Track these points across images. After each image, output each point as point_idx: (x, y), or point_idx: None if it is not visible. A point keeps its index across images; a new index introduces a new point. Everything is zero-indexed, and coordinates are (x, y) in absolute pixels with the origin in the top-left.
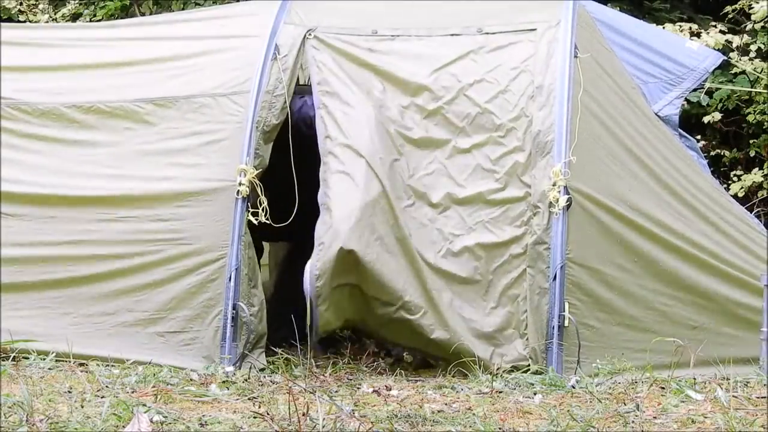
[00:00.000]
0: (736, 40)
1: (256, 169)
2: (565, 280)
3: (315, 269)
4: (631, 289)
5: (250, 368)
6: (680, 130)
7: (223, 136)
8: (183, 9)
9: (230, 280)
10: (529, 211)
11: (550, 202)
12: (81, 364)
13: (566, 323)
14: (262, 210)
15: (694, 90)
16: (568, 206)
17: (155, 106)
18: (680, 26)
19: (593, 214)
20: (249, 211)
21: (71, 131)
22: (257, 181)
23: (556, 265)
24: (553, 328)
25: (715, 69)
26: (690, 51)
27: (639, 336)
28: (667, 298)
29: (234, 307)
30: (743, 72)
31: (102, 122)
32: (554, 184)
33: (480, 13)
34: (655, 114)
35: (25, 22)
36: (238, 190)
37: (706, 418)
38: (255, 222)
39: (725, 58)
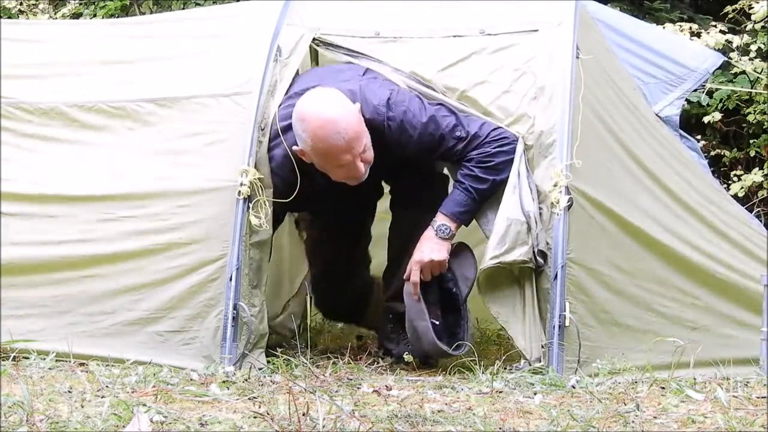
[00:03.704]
0: (736, 40)
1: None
2: (566, 281)
3: None
4: (631, 290)
5: (250, 368)
6: (681, 131)
7: (225, 136)
8: (183, 9)
9: (231, 279)
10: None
11: (552, 203)
12: (81, 364)
13: (567, 323)
14: (264, 214)
15: (695, 90)
16: (569, 207)
17: (157, 106)
18: (680, 26)
19: (594, 215)
20: (249, 212)
21: (72, 130)
22: (258, 182)
23: (557, 265)
24: (554, 327)
25: (715, 69)
26: (691, 52)
27: (640, 336)
28: (668, 299)
29: (235, 307)
30: (743, 72)
31: (103, 121)
32: (555, 185)
33: (482, 14)
34: (656, 115)
35: None
36: (239, 191)
37: (706, 418)
38: (257, 224)
39: (726, 58)
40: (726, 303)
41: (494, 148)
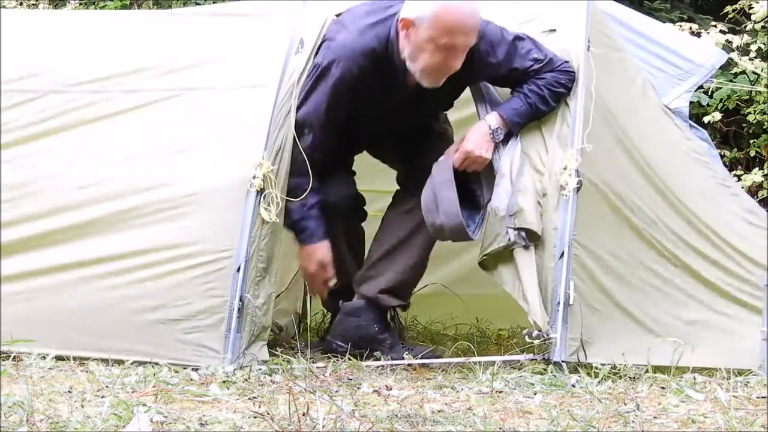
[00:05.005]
0: (736, 40)
1: (273, 165)
2: (571, 261)
3: None
4: (631, 278)
5: (250, 368)
6: (690, 122)
7: (240, 128)
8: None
9: (238, 271)
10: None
11: (561, 185)
12: (81, 364)
13: (571, 301)
14: (275, 206)
15: (695, 90)
16: (578, 189)
17: (172, 96)
18: (680, 26)
19: (600, 199)
20: (261, 205)
21: (83, 118)
22: (272, 176)
23: (564, 243)
24: (558, 304)
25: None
26: (697, 48)
27: (639, 322)
28: (665, 293)
29: (241, 299)
30: (743, 72)
31: (115, 109)
32: (565, 168)
33: (503, 18)
34: (666, 106)
35: None
36: (251, 183)
37: (706, 418)
38: (267, 217)
39: (729, 56)
40: (728, 287)
41: (564, 78)
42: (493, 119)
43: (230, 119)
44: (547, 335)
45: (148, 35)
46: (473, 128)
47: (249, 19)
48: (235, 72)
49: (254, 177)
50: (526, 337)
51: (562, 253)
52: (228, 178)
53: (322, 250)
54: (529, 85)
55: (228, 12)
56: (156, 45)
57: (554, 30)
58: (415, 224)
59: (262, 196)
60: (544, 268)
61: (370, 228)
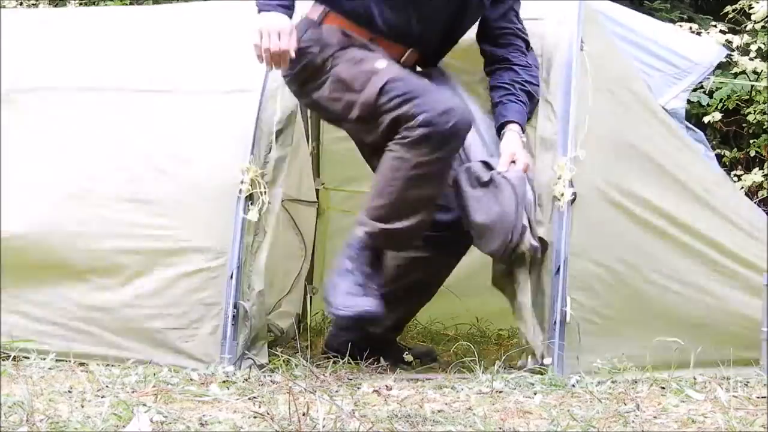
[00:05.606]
0: (736, 40)
1: (260, 169)
2: (568, 275)
3: None
4: (634, 283)
5: (251, 368)
6: (687, 123)
7: (228, 133)
8: None
9: (231, 278)
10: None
11: (555, 196)
12: (81, 364)
13: (568, 318)
14: (260, 209)
15: (694, 90)
16: (573, 200)
17: (158, 99)
18: (680, 26)
19: (598, 207)
20: (249, 209)
21: (67, 120)
22: (260, 180)
23: (560, 259)
24: (555, 322)
25: (715, 69)
26: (694, 45)
27: (641, 333)
28: (671, 294)
29: (235, 306)
30: (743, 72)
31: (100, 112)
32: (559, 178)
33: None
34: (662, 107)
35: None
36: (240, 189)
37: (706, 418)
38: (256, 219)
39: (728, 52)
40: (729, 299)
41: (535, 72)
42: (519, 129)
43: (216, 124)
44: (542, 359)
45: (134, 34)
46: (517, 142)
47: (234, 20)
48: (219, 75)
49: (242, 182)
50: (523, 371)
51: (558, 269)
52: (216, 185)
53: (285, 19)
54: (516, 84)
55: (213, 11)
56: (140, 46)
57: (541, 19)
58: (434, 271)
59: (251, 200)
60: (542, 283)
61: None
